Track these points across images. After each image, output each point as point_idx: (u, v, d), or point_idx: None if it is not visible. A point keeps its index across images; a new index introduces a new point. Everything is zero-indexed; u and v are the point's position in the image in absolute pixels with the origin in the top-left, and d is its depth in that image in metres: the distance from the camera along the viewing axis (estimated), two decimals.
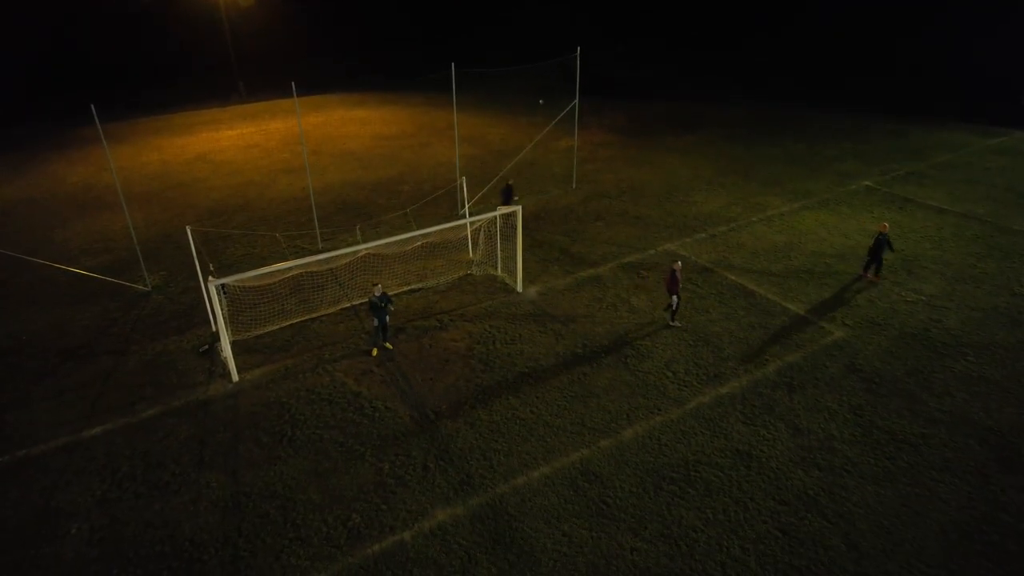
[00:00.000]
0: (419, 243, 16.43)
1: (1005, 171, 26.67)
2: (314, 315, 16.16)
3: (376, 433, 12.21)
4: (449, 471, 11.29)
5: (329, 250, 14.93)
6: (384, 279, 16.44)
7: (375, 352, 14.46)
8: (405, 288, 17.31)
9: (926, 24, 42.18)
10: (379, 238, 15.41)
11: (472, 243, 18.65)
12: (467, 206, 18.11)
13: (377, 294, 13.90)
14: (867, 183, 25.52)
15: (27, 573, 9.52)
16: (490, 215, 16.32)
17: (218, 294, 12.89)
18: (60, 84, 40.01)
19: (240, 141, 32.26)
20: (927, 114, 34.95)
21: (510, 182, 20.82)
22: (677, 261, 15.31)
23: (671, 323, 15.54)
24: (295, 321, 15.88)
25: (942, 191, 24.61)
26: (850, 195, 24.30)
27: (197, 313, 16.38)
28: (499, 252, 17.98)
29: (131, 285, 17.71)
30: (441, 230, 15.66)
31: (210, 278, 12.96)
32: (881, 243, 17.20)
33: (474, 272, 18.10)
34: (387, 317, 14.21)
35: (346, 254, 14.60)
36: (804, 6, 49.09)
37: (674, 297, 15.17)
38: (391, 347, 14.64)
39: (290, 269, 14.03)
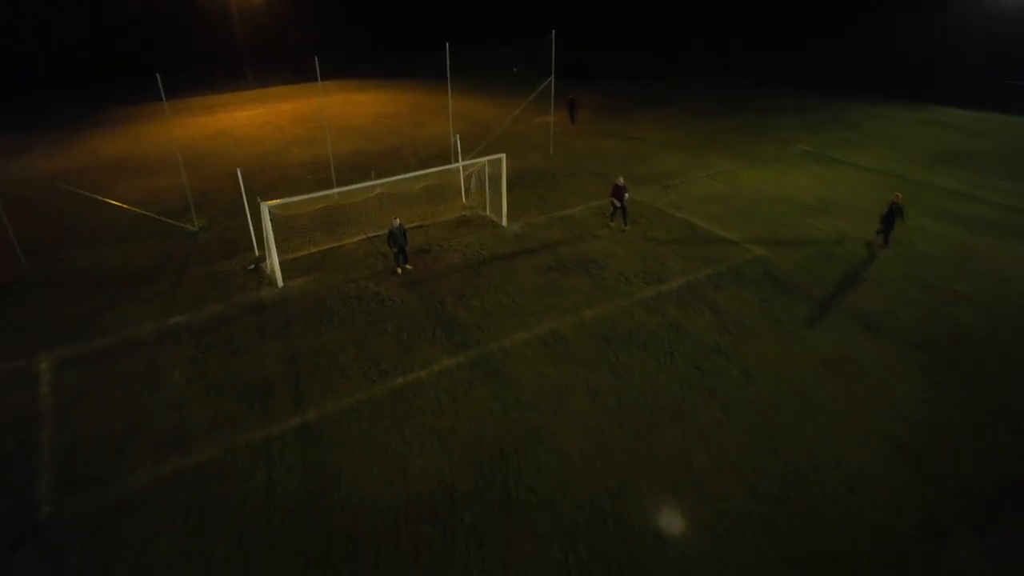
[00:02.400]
0: (422, 185, 19.84)
1: (922, 138, 30.56)
2: (337, 244, 19.58)
3: (395, 315, 15.70)
4: (451, 336, 14.82)
5: (348, 196, 18.35)
6: (392, 218, 19.83)
7: (400, 271, 17.73)
8: (411, 226, 20.73)
9: (864, 14, 46.19)
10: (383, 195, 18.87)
11: (465, 190, 22.13)
12: (460, 160, 21.48)
13: (396, 225, 17.26)
14: (804, 147, 29.28)
15: (150, 398, 12.91)
16: (480, 160, 19.80)
17: (264, 217, 16.26)
18: (83, 72, 42.91)
19: (254, 120, 35.51)
20: (866, 94, 38.86)
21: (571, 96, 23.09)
22: (620, 177, 19.61)
23: (611, 224, 20.21)
24: (322, 248, 19.29)
25: (867, 153, 28.41)
26: (788, 156, 28.04)
27: (240, 245, 19.73)
28: (487, 197, 21.45)
29: (181, 225, 21.00)
30: (439, 171, 19.12)
31: (261, 203, 16.35)
32: (894, 211, 18.39)
33: (467, 213, 21.59)
34: (405, 243, 17.50)
35: (366, 187, 18.01)
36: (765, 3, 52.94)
37: (615, 200, 19.51)
38: (411, 267, 17.95)
39: (325, 197, 17.42)
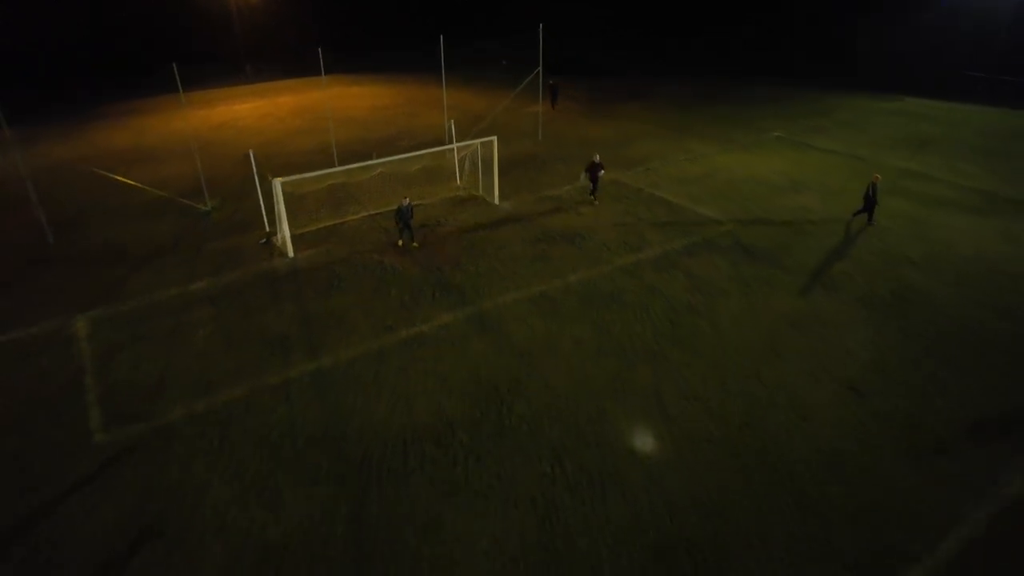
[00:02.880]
0: (419, 166, 21.24)
1: (890, 125, 32.26)
2: (342, 220, 20.97)
3: (397, 281, 17.13)
4: (449, 296, 16.27)
5: (350, 177, 19.75)
6: (394, 198, 21.21)
7: (401, 243, 19.06)
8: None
9: (839, 13, 48.00)
10: (390, 165, 20.27)
11: (459, 172, 23.56)
12: (455, 144, 22.88)
13: (405, 203, 18.57)
14: (778, 134, 30.90)
15: (179, 349, 14.27)
16: (473, 142, 21.26)
17: (277, 191, 17.63)
18: (82, 68, 43.92)
19: (255, 112, 36.77)
20: (840, 87, 40.59)
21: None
22: (596, 155, 21.45)
23: (588, 192, 22.07)
24: (328, 224, 20.67)
25: (837, 139, 30.06)
26: (763, 142, 29.64)
27: (250, 223, 21.04)
28: (480, 178, 22.88)
29: (194, 205, 22.31)
30: (436, 152, 20.57)
31: (272, 179, 17.72)
32: (873, 192, 19.48)
33: (461, 193, 23.03)
34: (411, 221, 18.82)
35: (368, 165, 19.41)
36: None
37: (585, 173, 21.38)
38: (417, 245, 19.19)
39: (331, 175, 18.80)
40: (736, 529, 9.80)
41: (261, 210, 20.28)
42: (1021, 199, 22.54)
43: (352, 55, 51.43)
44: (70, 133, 33.64)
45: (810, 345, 14.41)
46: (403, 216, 18.44)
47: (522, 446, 11.46)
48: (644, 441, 11.59)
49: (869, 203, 20.00)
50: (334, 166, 24.36)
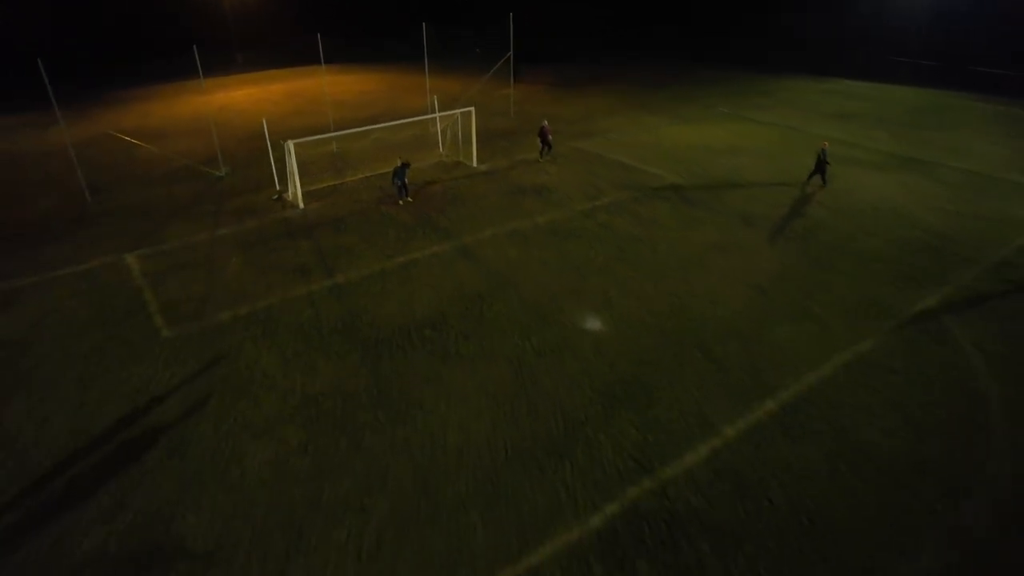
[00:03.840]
0: (409, 133, 24.34)
1: (822, 102, 36.08)
2: (342, 181, 23.99)
3: (393, 224, 20.25)
4: (437, 234, 19.44)
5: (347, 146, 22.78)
6: (387, 163, 24.22)
7: (401, 202, 22.12)
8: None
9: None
10: (381, 137, 23.34)
11: (442, 140, 26.70)
12: (438, 113, 25.94)
13: (400, 164, 21.57)
14: (723, 110, 34.50)
15: (217, 275, 17.26)
16: (454, 112, 24.41)
17: (289, 150, 20.61)
18: (80, 56, 46.00)
19: (250, 98, 39.42)
20: (785, 70, 44.44)
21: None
22: (545, 120, 24.81)
23: (540, 159, 25.30)
24: (331, 184, 23.68)
25: (774, 113, 33.75)
26: (709, 117, 33.20)
27: (261, 185, 23.92)
28: (460, 147, 26.03)
29: (210, 171, 25.15)
30: (422, 120, 23.67)
31: (285, 142, 20.69)
32: (822, 157, 21.88)
33: (444, 159, 26.17)
34: (406, 180, 21.83)
35: (365, 131, 22.48)
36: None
37: (539, 140, 24.59)
38: (411, 200, 22.24)
39: (333, 139, 21.80)
40: (659, 372, 13.17)
41: (272, 172, 23.22)
42: (917, 158, 26.36)
43: (339, 46, 54.02)
44: (80, 117, 35.91)
45: (729, 262, 17.86)
46: (399, 175, 21.48)
47: (499, 328, 14.72)
48: (593, 323, 14.93)
49: (820, 166, 22.24)
50: (335, 145, 27.47)
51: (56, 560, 9.26)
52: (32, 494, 10.39)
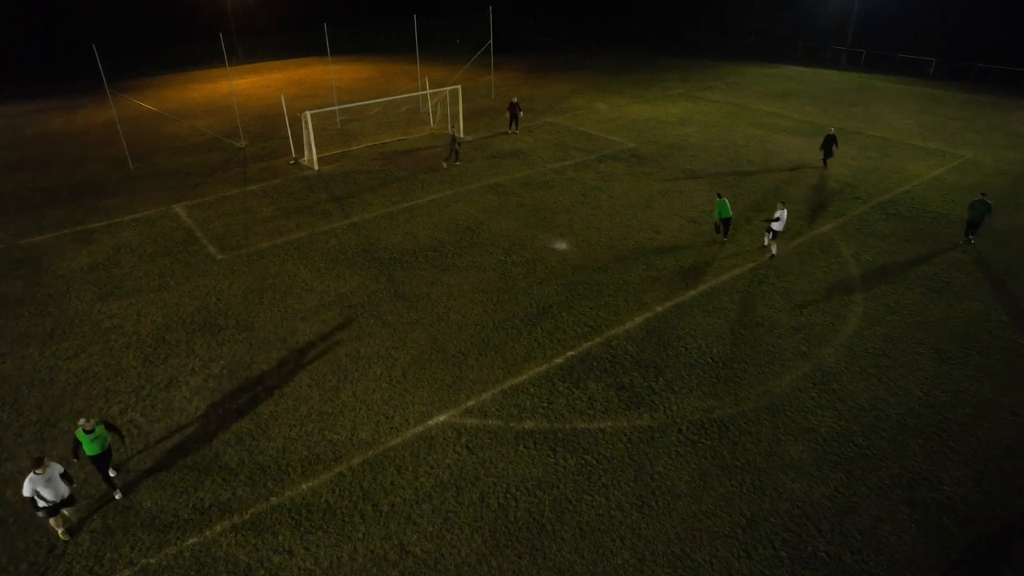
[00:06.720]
0: (405, 108, 27.56)
1: (765, 84, 39.83)
2: (349, 148, 27.19)
3: (395, 179, 23.53)
4: (433, 185, 22.79)
5: (350, 120, 25.94)
6: (386, 136, 27.48)
7: (446, 165, 25.44)
8: (394, 139, 28.49)
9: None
10: (378, 114, 26.51)
11: (432, 116, 29.95)
12: (429, 90, 29.18)
13: (452, 135, 24.69)
14: (679, 91, 38.10)
15: (253, 217, 20.45)
16: (443, 89, 27.68)
17: (307, 119, 23.77)
18: (84, 49, 48.24)
19: (254, 85, 42.22)
20: (737, 58, 48.17)
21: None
22: (514, 96, 27.74)
23: (509, 131, 28.30)
24: (340, 150, 26.86)
25: (722, 93, 37.41)
26: (666, 97, 36.79)
27: (279, 153, 27.03)
28: (449, 121, 29.31)
29: (232, 142, 28.19)
30: (416, 96, 26.91)
31: (300, 114, 23.83)
32: (830, 140, 23.76)
33: (434, 131, 29.46)
34: (458, 148, 24.91)
35: (369, 104, 25.65)
36: None
37: (509, 113, 27.78)
38: (458, 163, 25.51)
39: (342, 111, 24.95)
40: (610, 276, 16.70)
41: (289, 142, 26.34)
42: (839, 127, 30.16)
43: (330, 39, 56.69)
44: (99, 103, 38.54)
45: (671, 203, 21.45)
46: (453, 143, 24.46)
47: (486, 249, 18.15)
48: (559, 244, 18.42)
49: (827, 150, 23.92)
50: (338, 119, 30.62)
51: (166, 390, 12.57)
52: (146, 359, 13.64)
